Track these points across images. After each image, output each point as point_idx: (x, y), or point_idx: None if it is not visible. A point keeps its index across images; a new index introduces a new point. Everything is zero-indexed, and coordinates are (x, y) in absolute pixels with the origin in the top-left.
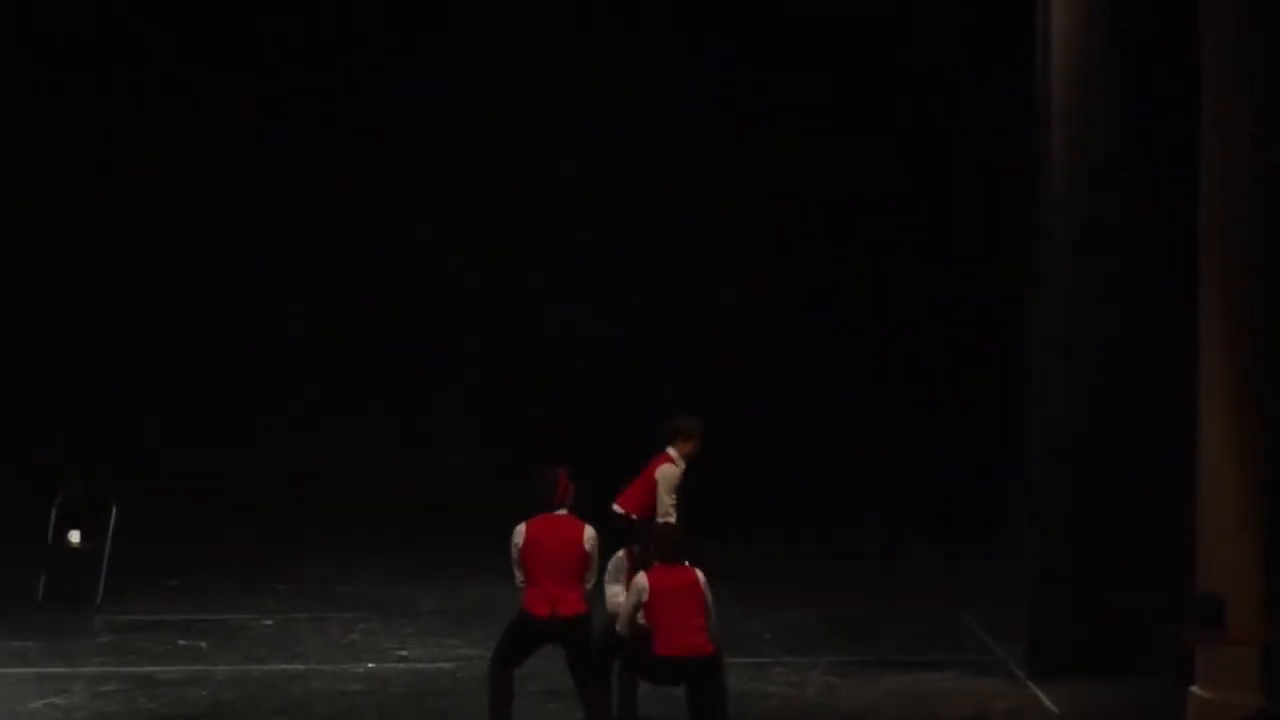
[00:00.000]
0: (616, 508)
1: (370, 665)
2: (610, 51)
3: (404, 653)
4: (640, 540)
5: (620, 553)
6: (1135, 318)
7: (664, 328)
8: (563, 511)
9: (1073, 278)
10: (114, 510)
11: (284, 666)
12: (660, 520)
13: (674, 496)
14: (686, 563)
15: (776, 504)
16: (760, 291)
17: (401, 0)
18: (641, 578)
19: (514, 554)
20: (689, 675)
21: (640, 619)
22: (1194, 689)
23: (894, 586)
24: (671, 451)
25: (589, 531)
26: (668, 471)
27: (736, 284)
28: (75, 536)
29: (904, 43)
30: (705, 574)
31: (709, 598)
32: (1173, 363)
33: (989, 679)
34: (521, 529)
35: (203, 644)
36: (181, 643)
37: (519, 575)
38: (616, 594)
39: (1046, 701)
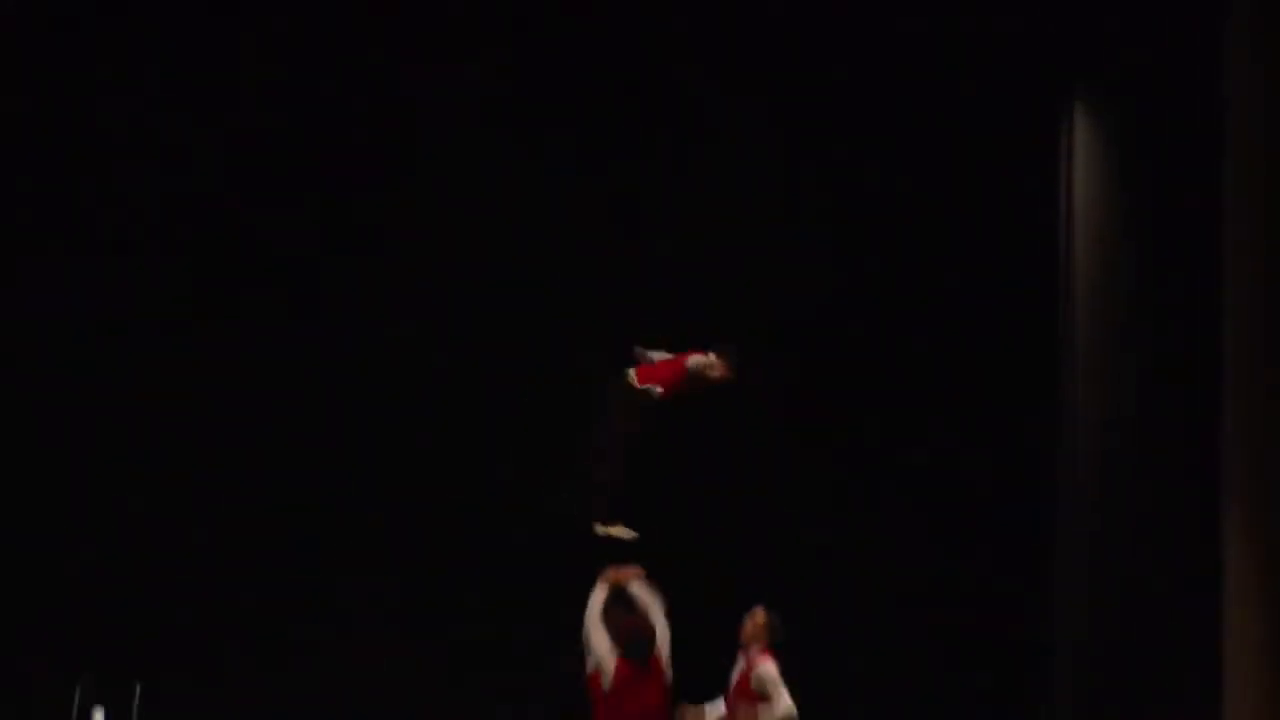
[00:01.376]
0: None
1: None
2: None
3: None
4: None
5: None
6: (1161, 520)
7: None
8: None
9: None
10: (138, 689)
11: None
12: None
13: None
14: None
15: None
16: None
17: None
18: (611, 663)
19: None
20: None
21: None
22: None
23: None
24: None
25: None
26: (695, 362)
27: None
28: (99, 716)
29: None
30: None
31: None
32: (1201, 542)
33: None
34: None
35: None
36: None
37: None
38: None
39: None
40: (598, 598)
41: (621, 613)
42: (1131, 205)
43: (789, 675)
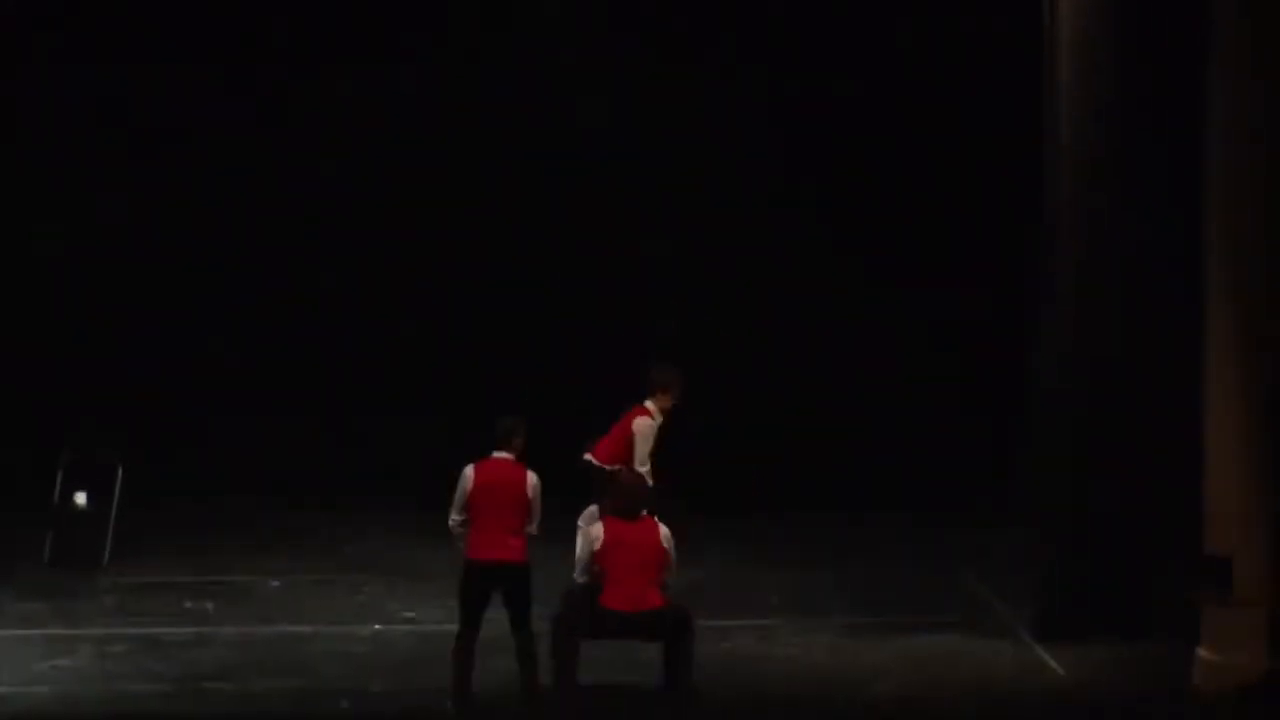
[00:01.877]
0: (588, 457)
1: (377, 627)
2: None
3: (411, 614)
4: (609, 491)
5: (593, 507)
6: (1143, 294)
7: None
8: (508, 456)
9: (1082, 254)
10: (120, 471)
11: (290, 628)
12: (629, 472)
13: (650, 447)
14: (652, 518)
15: (786, 469)
16: (780, 268)
17: None
18: (597, 527)
19: (459, 496)
20: (634, 630)
21: (595, 566)
22: (1200, 651)
23: (902, 551)
24: (649, 405)
25: (532, 478)
26: (643, 425)
27: (757, 256)
28: (81, 498)
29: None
30: (674, 531)
31: (670, 555)
32: (1180, 331)
33: (995, 641)
34: (469, 471)
35: (209, 605)
36: (188, 604)
37: (458, 517)
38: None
39: (1052, 664)
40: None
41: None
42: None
43: None
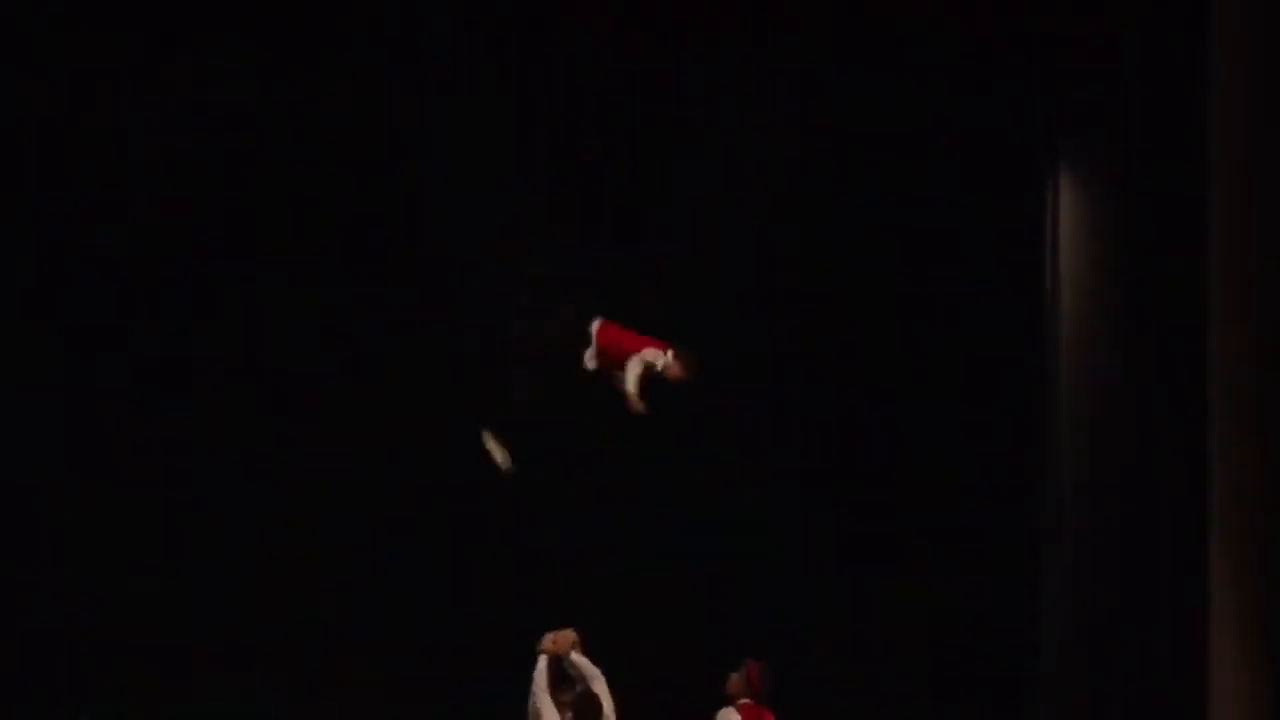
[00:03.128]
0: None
1: None
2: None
3: None
4: None
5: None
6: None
7: None
8: None
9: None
10: None
11: None
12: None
13: (639, 386)
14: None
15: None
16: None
17: None
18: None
19: None
20: None
21: None
22: None
23: None
24: (671, 351)
25: None
26: (648, 353)
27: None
28: None
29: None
30: None
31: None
32: (1179, 541)
33: None
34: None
35: None
36: None
37: None
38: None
39: None
40: (540, 670)
41: (567, 689)
42: (1116, 243)
43: None
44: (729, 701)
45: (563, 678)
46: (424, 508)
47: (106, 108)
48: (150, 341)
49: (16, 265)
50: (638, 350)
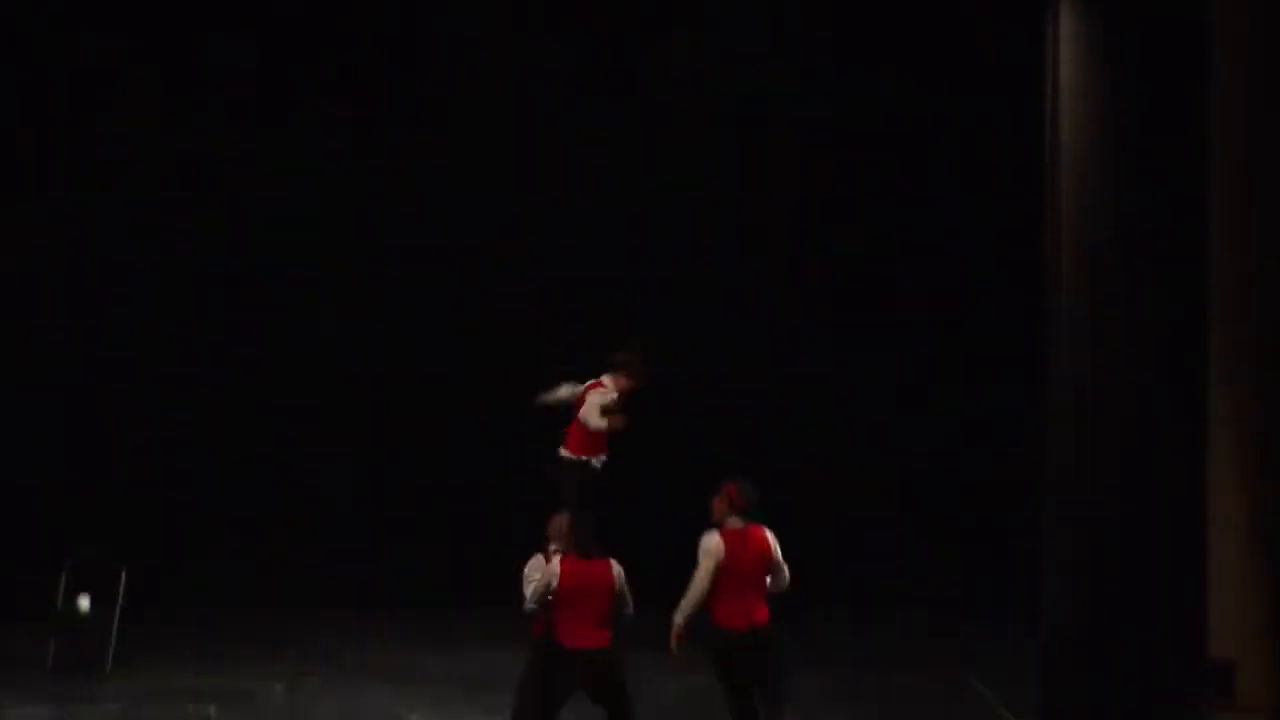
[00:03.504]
0: (564, 452)
1: None
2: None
3: (414, 718)
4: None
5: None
6: (1147, 399)
7: None
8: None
9: (1081, 367)
10: (123, 576)
11: None
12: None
13: (601, 415)
14: (606, 558)
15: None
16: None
17: None
18: (555, 564)
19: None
20: (586, 670)
21: (549, 598)
22: None
23: (903, 653)
24: (606, 379)
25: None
26: (594, 396)
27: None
28: (85, 602)
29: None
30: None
31: (623, 592)
32: (1184, 437)
33: None
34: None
35: (212, 711)
36: (191, 709)
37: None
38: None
39: None
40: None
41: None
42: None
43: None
44: (715, 527)
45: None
46: None
47: None
48: None
49: None
50: (583, 404)
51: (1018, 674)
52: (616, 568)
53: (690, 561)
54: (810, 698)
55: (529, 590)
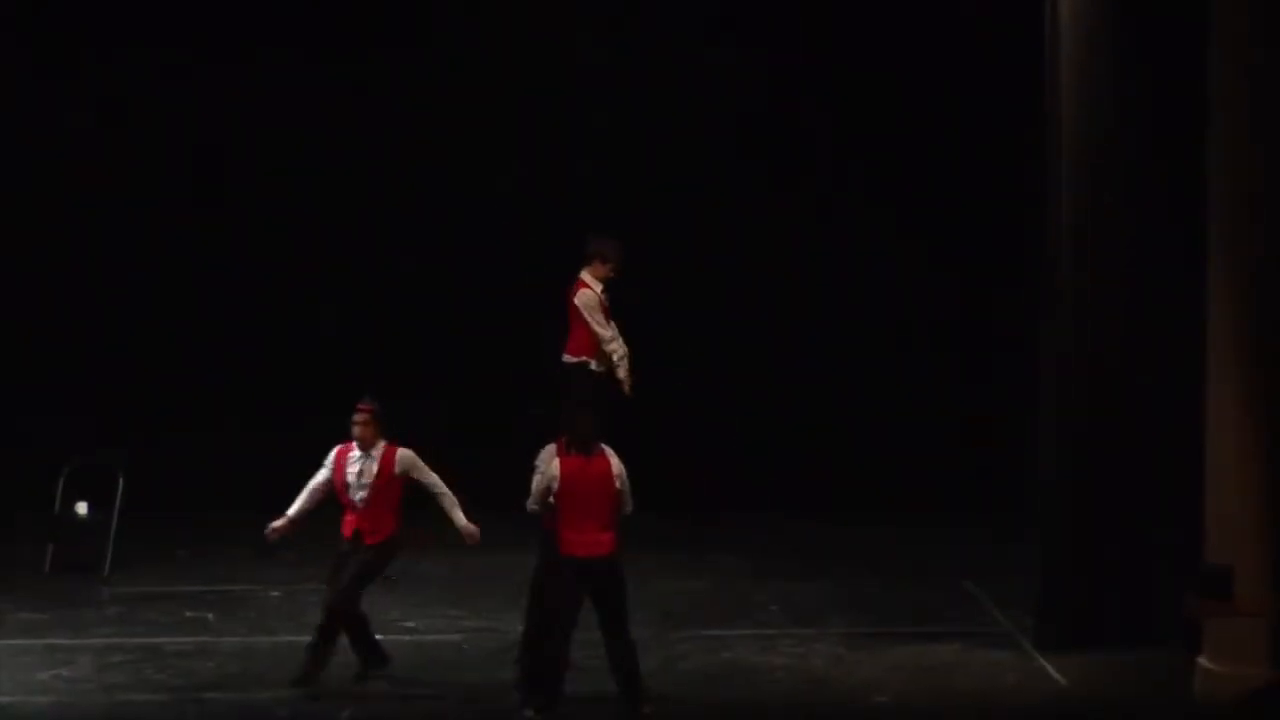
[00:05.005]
0: (567, 357)
1: (377, 638)
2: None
3: (410, 624)
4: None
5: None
6: (1143, 302)
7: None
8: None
9: (1081, 262)
10: (121, 480)
11: (291, 638)
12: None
13: (604, 318)
14: (604, 453)
15: (786, 475)
16: (777, 260)
17: None
18: (555, 465)
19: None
20: (590, 574)
21: (550, 500)
22: (1201, 660)
23: (902, 559)
24: (585, 275)
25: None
26: (584, 298)
27: (757, 255)
28: (82, 507)
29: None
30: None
31: (623, 491)
32: (1181, 338)
33: (996, 651)
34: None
35: (210, 615)
36: (189, 614)
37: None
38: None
39: (1054, 673)
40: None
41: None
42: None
43: None
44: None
45: None
46: None
47: None
48: None
49: None
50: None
51: (1011, 575)
52: (617, 465)
53: None
54: (810, 604)
55: (532, 483)
